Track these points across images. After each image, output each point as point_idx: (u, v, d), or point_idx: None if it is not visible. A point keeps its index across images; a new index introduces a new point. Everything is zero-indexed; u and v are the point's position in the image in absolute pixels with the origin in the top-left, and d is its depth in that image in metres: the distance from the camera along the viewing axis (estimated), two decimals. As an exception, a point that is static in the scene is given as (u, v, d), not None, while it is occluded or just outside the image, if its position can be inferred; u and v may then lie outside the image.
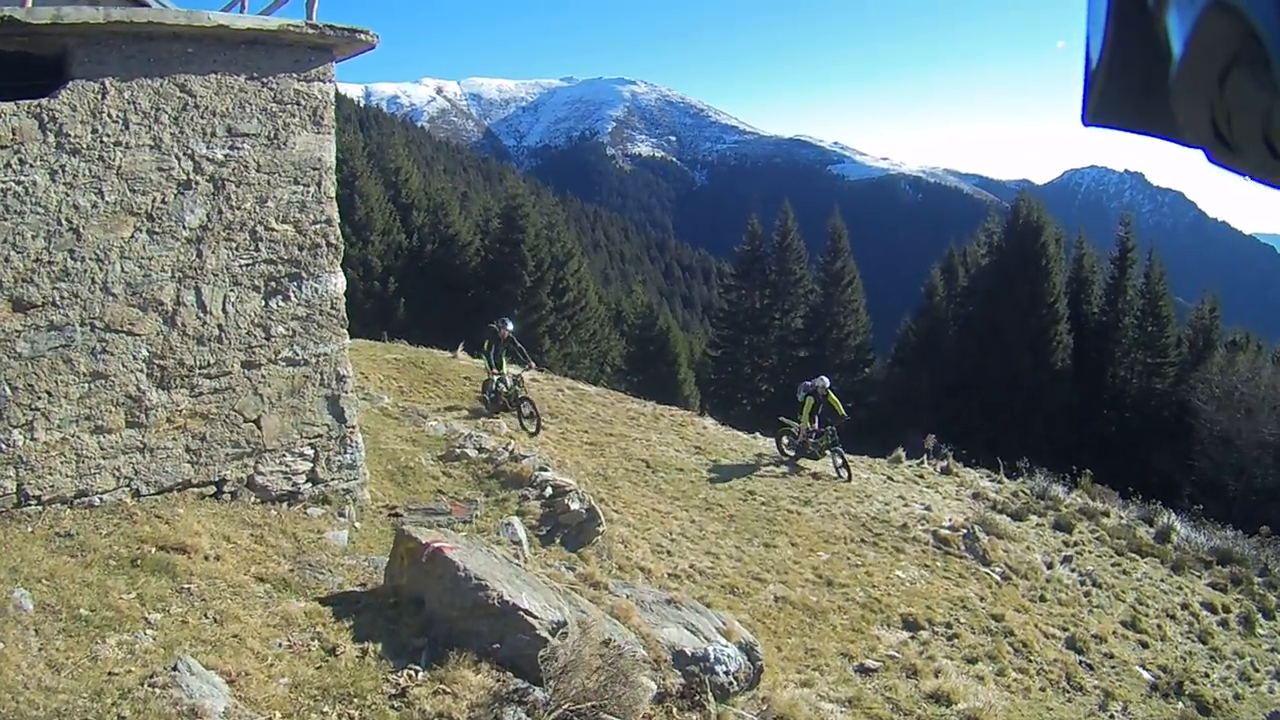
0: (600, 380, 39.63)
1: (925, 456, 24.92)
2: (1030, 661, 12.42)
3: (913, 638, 11.97)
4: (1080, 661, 13.15)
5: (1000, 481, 24.47)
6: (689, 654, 7.74)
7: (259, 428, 9.48)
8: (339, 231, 10.06)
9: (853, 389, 43.66)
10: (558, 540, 11.19)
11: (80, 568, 7.07)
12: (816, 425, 19.18)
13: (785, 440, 19.96)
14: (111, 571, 7.09)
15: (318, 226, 9.79)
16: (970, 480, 23.58)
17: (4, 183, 7.96)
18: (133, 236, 8.62)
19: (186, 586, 7.08)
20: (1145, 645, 15.23)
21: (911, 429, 31.18)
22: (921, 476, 22.33)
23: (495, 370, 18.26)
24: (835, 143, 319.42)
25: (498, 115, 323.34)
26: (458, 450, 12.96)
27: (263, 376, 9.47)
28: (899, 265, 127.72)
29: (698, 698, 6.95)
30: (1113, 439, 43.56)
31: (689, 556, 12.73)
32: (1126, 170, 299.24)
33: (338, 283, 10.01)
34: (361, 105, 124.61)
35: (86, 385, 8.43)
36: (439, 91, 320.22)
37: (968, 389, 44.53)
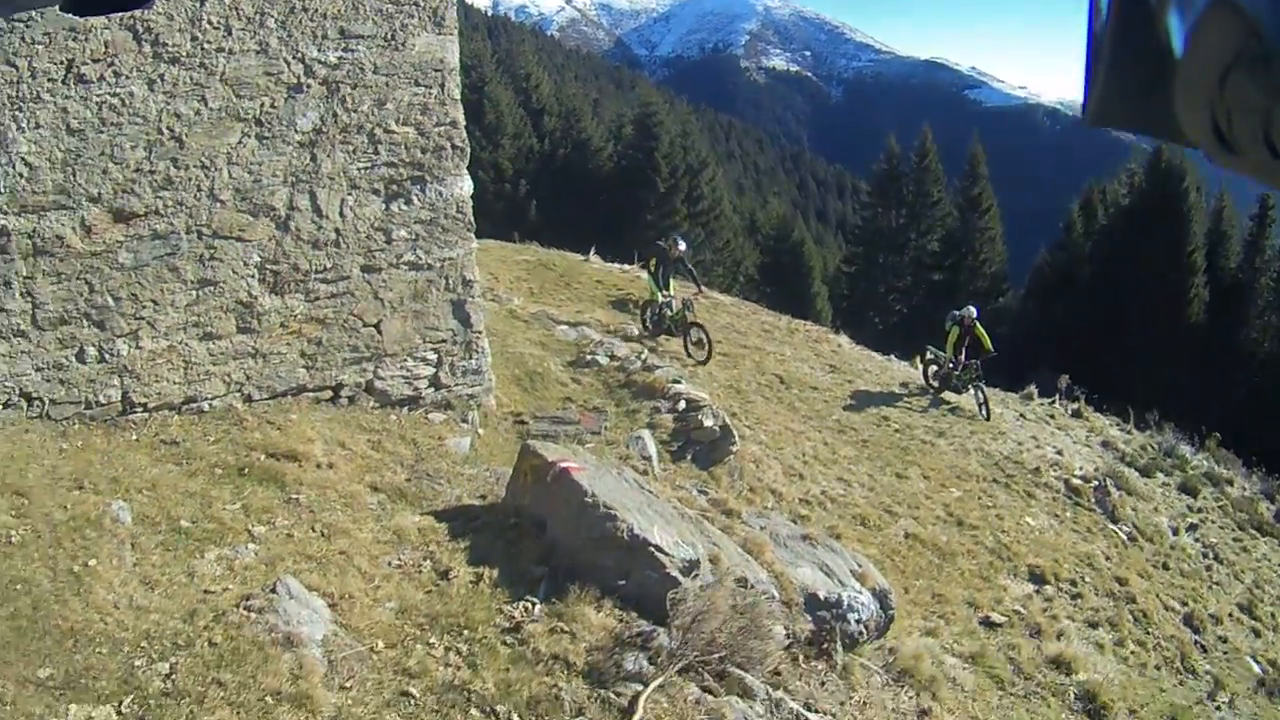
0: (734, 289, 38.81)
1: (1057, 396, 23.87)
2: (1149, 634, 11.69)
3: (1038, 592, 11.33)
4: (1195, 641, 12.34)
5: (1129, 431, 23.29)
6: (822, 598, 7.16)
7: (379, 332, 8.94)
8: (464, 134, 9.27)
9: (986, 318, 41.19)
10: (689, 457, 10.55)
11: (184, 476, 6.69)
12: (963, 357, 18.04)
13: (931, 370, 18.95)
14: (217, 481, 6.70)
15: (441, 129, 9.01)
16: (1100, 426, 22.45)
17: (99, 96, 7.40)
18: (240, 142, 8.01)
19: (295, 497, 6.65)
20: (1257, 634, 14.23)
21: (1040, 365, 29.65)
22: (1052, 417, 21.40)
23: (663, 292, 16.35)
24: (973, 67, 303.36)
25: (628, 25, 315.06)
26: (588, 357, 12.29)
27: (384, 281, 8.88)
28: (1035, 197, 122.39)
29: (825, 646, 6.48)
30: (1240, 403, 40.97)
31: (821, 481, 12.16)
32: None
33: (464, 186, 9.28)
34: (489, 14, 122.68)
35: (195, 293, 7.97)
36: (568, 1, 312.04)
37: (1100, 331, 42.19)
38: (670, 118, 49.39)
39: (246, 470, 6.84)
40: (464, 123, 9.25)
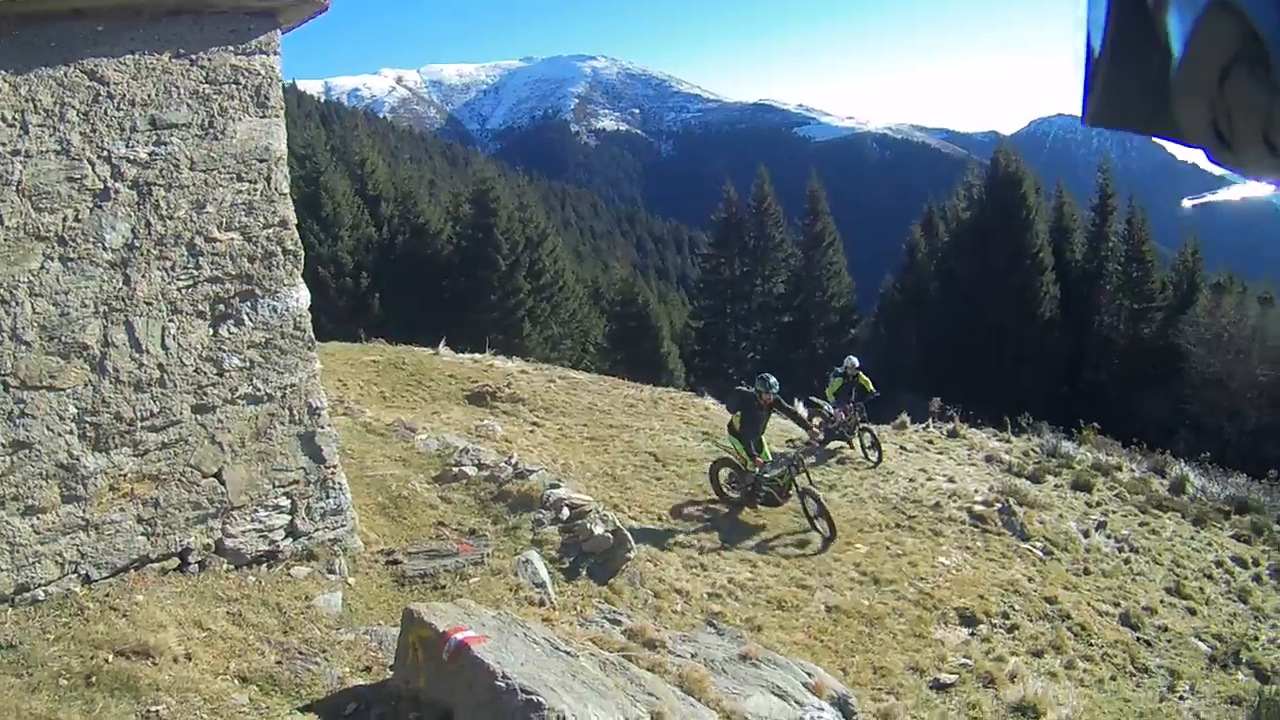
0: (584, 361, 39.39)
1: (930, 420, 24.17)
2: (1092, 646, 11.71)
3: (972, 634, 11.13)
4: (1138, 638, 12.51)
5: (1008, 440, 23.71)
6: None
7: (222, 482, 7.87)
8: (296, 235, 8.27)
9: (839, 352, 42.92)
10: (583, 572, 9.82)
11: (26, 693, 5.68)
12: (848, 403, 18.29)
13: (816, 422, 18.83)
14: (63, 696, 5.67)
15: (270, 231, 7.99)
16: (978, 441, 22.80)
17: None
18: (42, 267, 6.91)
19: (153, 709, 5.70)
20: (1193, 612, 14.60)
21: (902, 390, 30.38)
22: (930, 442, 21.60)
23: (755, 456, 13.66)
24: (800, 105, 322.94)
25: (459, 100, 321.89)
26: (455, 469, 11.47)
27: (219, 421, 7.80)
28: (873, 225, 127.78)
29: None
30: (1103, 387, 43.25)
31: (724, 568, 11.67)
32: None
33: (300, 297, 8.23)
34: (322, 101, 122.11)
35: (8, 459, 6.84)
36: (399, 81, 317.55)
37: (956, 345, 44.05)
38: (506, 191, 49.94)
39: (95, 678, 5.86)
40: (295, 221, 8.26)
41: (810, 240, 50.71)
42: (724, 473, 14.06)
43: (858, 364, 18.54)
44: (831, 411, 18.45)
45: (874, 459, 17.98)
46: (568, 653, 6.31)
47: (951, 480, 17.76)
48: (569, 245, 72.87)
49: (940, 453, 20.42)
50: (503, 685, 5.45)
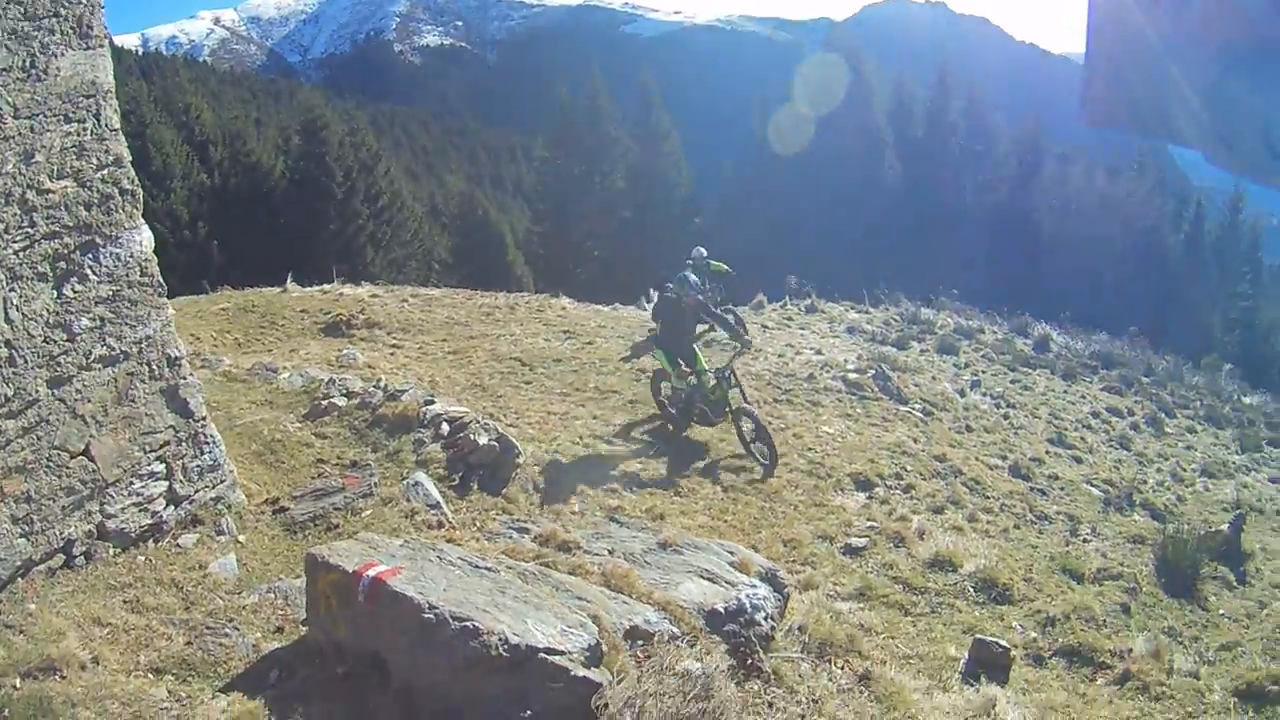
0: (430, 279, 38.34)
1: (787, 298, 24.33)
2: (989, 499, 11.95)
3: (870, 498, 11.13)
4: (1031, 488, 12.89)
5: (868, 312, 24.41)
6: (723, 610, 6.14)
7: (91, 459, 6.99)
8: (133, 173, 7.35)
9: (686, 241, 43.40)
10: (475, 486, 9.22)
11: None
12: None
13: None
14: None
15: (105, 172, 7.04)
16: (838, 315, 23.41)
17: None
18: None
19: None
20: (1079, 460, 15.19)
21: (755, 271, 30.68)
22: (790, 319, 21.97)
23: (688, 367, 12.05)
24: (625, 2, 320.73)
25: (279, 34, 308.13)
26: (323, 403, 10.63)
27: (78, 392, 6.89)
28: (707, 116, 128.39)
29: (751, 662, 5.58)
30: (954, 255, 44.39)
31: (614, 460, 11.22)
32: (928, 0, 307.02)
33: (144, 240, 7.38)
34: (140, 54, 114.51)
35: None
36: (216, 22, 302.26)
37: (804, 223, 44.61)
38: (335, 118, 48.04)
39: (7, 711, 5.12)
40: (129, 157, 7.34)
41: (646, 134, 50.54)
42: (665, 386, 12.78)
43: (705, 254, 18.24)
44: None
45: (744, 342, 17.84)
46: (488, 569, 5.79)
47: (819, 353, 17.99)
48: (402, 166, 71.22)
49: (802, 328, 20.68)
50: (431, 617, 4.94)
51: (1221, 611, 9.30)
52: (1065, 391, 19.66)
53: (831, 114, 47.30)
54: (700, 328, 12.62)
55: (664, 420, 12.61)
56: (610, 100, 51.32)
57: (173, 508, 7.58)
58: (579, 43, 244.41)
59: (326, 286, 20.90)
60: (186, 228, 38.78)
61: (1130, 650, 7.42)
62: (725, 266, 17.95)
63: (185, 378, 7.71)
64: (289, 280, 21.06)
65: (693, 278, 12.45)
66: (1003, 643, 7.17)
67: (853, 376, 16.07)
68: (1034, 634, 7.85)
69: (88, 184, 6.90)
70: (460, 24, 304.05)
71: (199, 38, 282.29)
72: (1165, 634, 8.30)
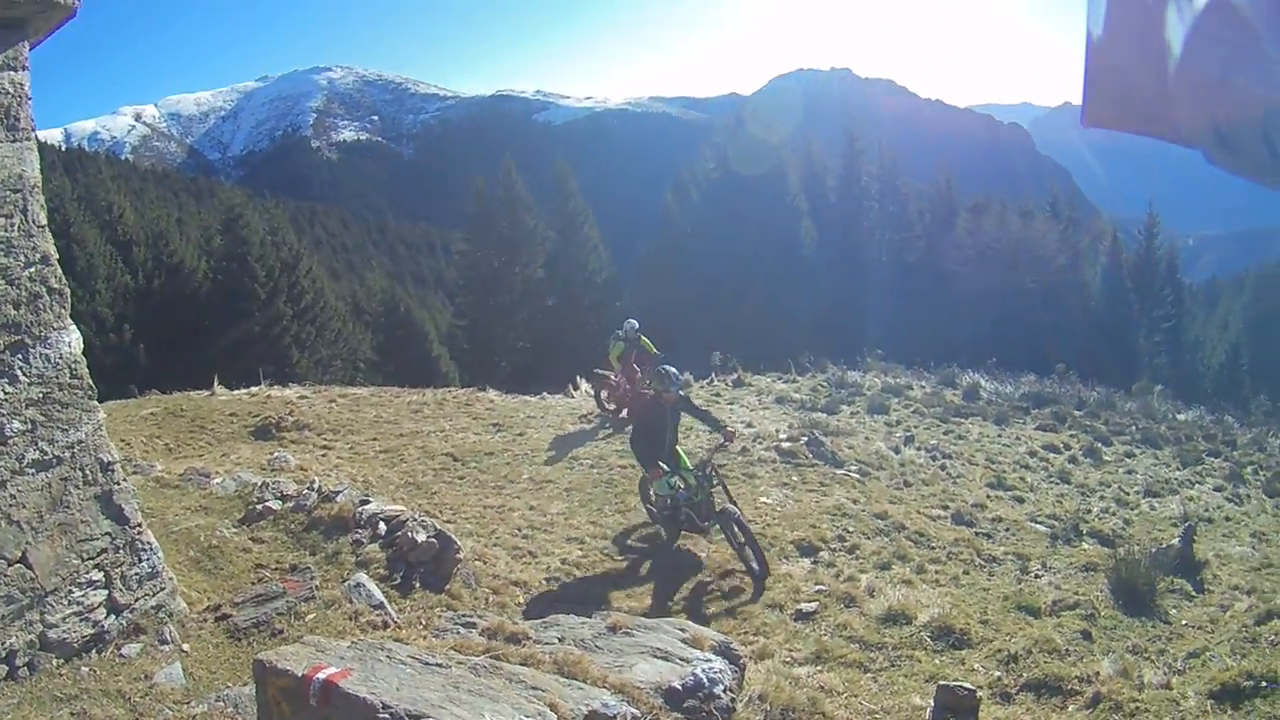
0: (356, 378, 38.43)
1: (713, 373, 24.61)
2: (934, 549, 12.00)
3: (815, 562, 11.13)
4: (976, 533, 12.97)
5: (795, 380, 24.53)
6: (681, 688, 6.06)
7: (29, 567, 6.78)
8: (60, 271, 7.22)
9: (608, 326, 43.72)
10: (417, 584, 9.10)
11: None
12: (635, 371, 17.89)
13: (604, 394, 18.64)
14: None
15: (33, 270, 6.93)
16: (765, 386, 23.54)
17: None
18: None
19: None
20: (1021, 500, 15.39)
21: (679, 349, 31.07)
22: (719, 395, 21.95)
23: (662, 466, 11.03)
24: (538, 91, 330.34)
25: (199, 130, 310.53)
26: (259, 507, 10.45)
27: (12, 497, 6.69)
28: (621, 199, 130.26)
29: None
30: (877, 317, 45.23)
31: (552, 551, 11.19)
32: (833, 68, 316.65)
33: (72, 341, 7.24)
34: (63, 149, 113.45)
35: None
36: (138, 118, 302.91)
37: (725, 298, 45.26)
38: (256, 216, 47.92)
39: None
40: (56, 255, 7.18)
41: (563, 222, 51.01)
42: (653, 491, 11.60)
43: (637, 326, 18.29)
44: (615, 379, 18.20)
45: None
46: (439, 665, 5.65)
47: (750, 425, 18.02)
48: (323, 264, 71.11)
49: (731, 403, 20.70)
50: (386, 716, 4.79)
51: (1184, 622, 9.38)
52: (999, 435, 19.94)
53: (746, 187, 48.26)
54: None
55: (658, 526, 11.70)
56: (526, 189, 51.66)
57: (114, 617, 7.36)
58: (493, 133, 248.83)
59: (254, 389, 20.68)
60: (112, 330, 38.01)
61: (1097, 673, 7.41)
62: (654, 347, 18.05)
63: (119, 483, 7.54)
64: (216, 384, 20.75)
65: (671, 370, 11.33)
66: (967, 685, 7.07)
67: (786, 445, 16.12)
68: (998, 673, 7.81)
69: (15, 282, 6.78)
70: (376, 119, 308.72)
71: (120, 134, 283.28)
72: (1130, 653, 8.31)
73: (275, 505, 10.35)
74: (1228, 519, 15.83)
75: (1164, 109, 0.83)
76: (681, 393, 11.48)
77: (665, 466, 10.93)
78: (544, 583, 9.82)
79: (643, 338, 18.00)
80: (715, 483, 11.02)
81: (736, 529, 10.35)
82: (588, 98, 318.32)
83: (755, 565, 10.22)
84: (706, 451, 11.95)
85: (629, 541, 11.66)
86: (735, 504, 10.90)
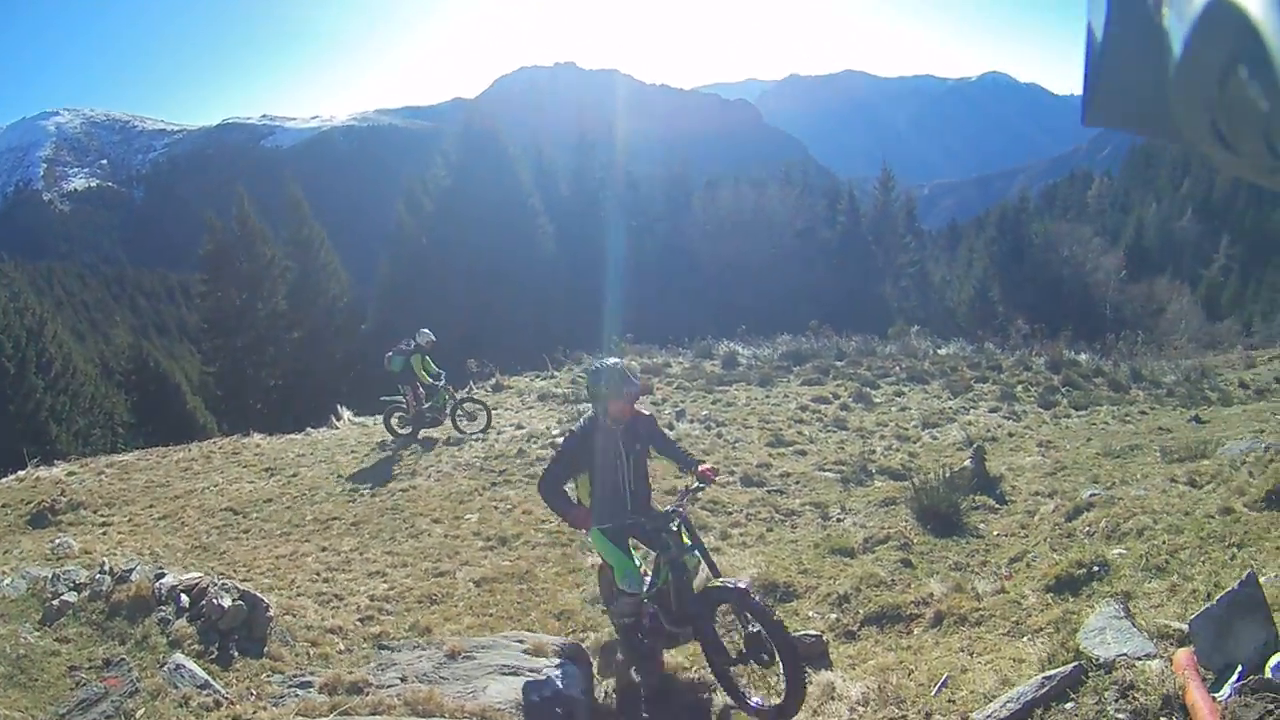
0: (118, 444, 35.99)
1: (471, 381, 24.58)
2: (732, 514, 12.31)
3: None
4: (769, 491, 13.31)
5: (553, 376, 24.93)
6: (539, 700, 6.04)
7: None
8: None
9: (357, 351, 44.22)
10: (235, 652, 8.44)
11: None
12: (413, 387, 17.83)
13: (396, 418, 18.27)
14: None
15: None
16: (525, 386, 24.01)
17: None
18: None
19: None
20: (804, 453, 15.84)
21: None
22: (482, 404, 21.69)
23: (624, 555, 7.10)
24: (264, 116, 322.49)
25: None
26: (55, 603, 9.45)
27: None
28: (357, 217, 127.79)
29: None
30: (626, 301, 46.09)
31: (356, 589, 10.64)
32: (557, 64, 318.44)
33: None
34: None
35: None
36: None
37: (468, 305, 45.26)
38: None
39: None
40: None
41: (299, 248, 49.60)
42: (619, 584, 7.42)
43: (431, 335, 17.95)
44: (407, 399, 17.90)
45: (485, 423, 18.21)
46: None
47: (520, 427, 18.26)
48: (67, 326, 66.57)
49: (495, 406, 20.66)
50: None
51: (996, 533, 9.92)
52: (768, 396, 20.59)
53: (479, 191, 48.04)
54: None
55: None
56: (259, 219, 49.61)
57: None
58: (223, 164, 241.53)
59: (21, 473, 19.04)
60: None
61: (931, 595, 7.72)
62: (433, 365, 17.93)
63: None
64: (-17, 472, 18.96)
65: (617, 364, 7.16)
66: (811, 632, 7.37)
67: (560, 441, 16.05)
68: (834, 615, 8.07)
69: None
70: (105, 162, 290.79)
71: None
72: (954, 570, 8.75)
73: (71, 598, 9.43)
74: (1010, 435, 16.95)
75: (1164, 109, 0.79)
76: (646, 412, 7.56)
77: (643, 538, 7.17)
78: (359, 624, 9.37)
79: (426, 356, 17.81)
80: (690, 546, 6.92)
81: (750, 617, 6.51)
82: (314, 117, 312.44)
83: (784, 685, 6.25)
84: (676, 498, 7.27)
85: (431, 565, 11.37)
86: (728, 580, 6.85)
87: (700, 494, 8.89)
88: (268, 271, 48.14)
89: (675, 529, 6.90)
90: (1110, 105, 0.93)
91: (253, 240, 48.05)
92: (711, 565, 6.81)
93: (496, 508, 12.78)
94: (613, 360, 7.33)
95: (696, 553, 6.90)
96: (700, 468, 7.20)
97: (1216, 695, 4.45)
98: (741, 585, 6.59)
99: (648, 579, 7.07)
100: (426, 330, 18.10)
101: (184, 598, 8.96)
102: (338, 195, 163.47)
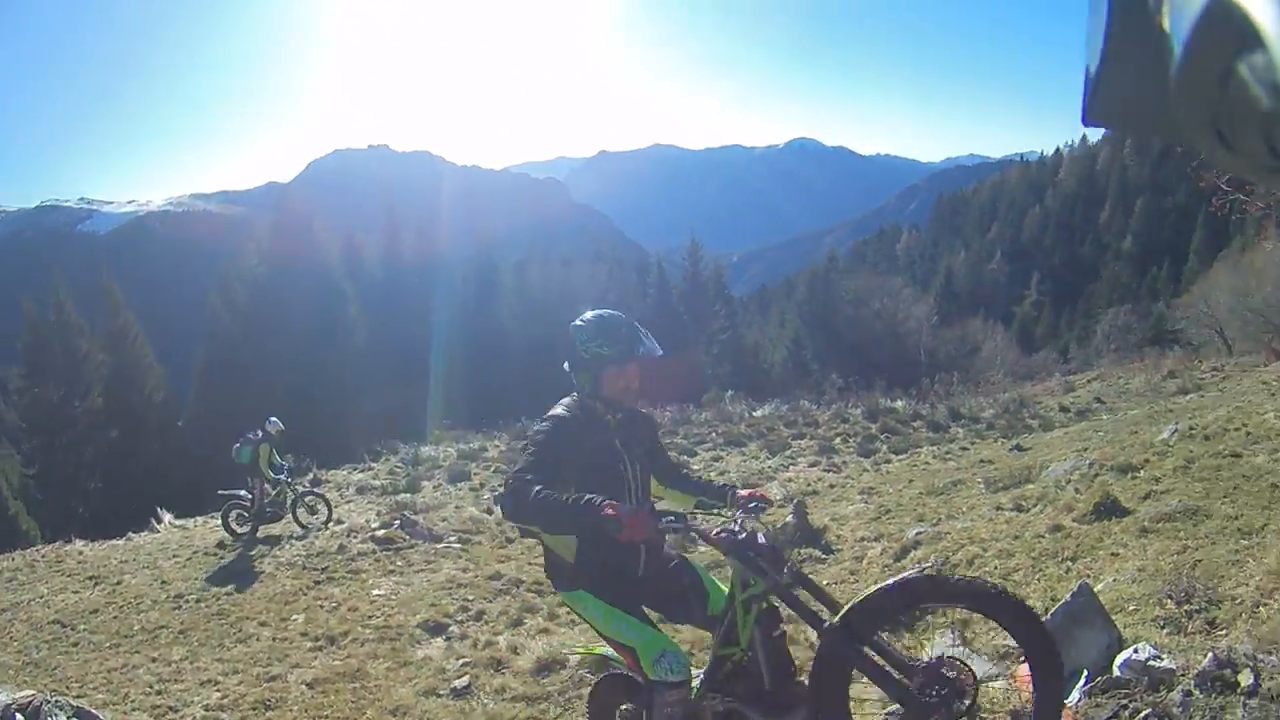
0: None
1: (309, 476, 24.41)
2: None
3: (448, 638, 11.41)
4: None
5: (370, 468, 25.49)
6: None
7: None
8: None
9: (171, 448, 43.05)
10: None
11: None
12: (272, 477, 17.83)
13: (234, 514, 18.00)
14: None
15: None
16: (342, 479, 24.33)
17: None
18: None
19: None
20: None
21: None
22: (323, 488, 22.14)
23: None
24: (81, 198, 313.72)
25: None
26: None
27: None
28: (174, 305, 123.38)
29: None
30: (438, 385, 46.43)
31: (191, 700, 10.50)
32: (370, 145, 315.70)
33: None
34: None
35: None
36: None
37: (284, 396, 44.31)
38: None
39: None
40: None
41: (114, 340, 48.02)
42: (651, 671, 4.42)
43: (279, 422, 17.93)
44: (249, 496, 17.83)
45: (326, 516, 18.05)
46: None
47: (340, 521, 18.10)
48: None
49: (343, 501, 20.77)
50: None
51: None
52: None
53: (291, 278, 47.89)
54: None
55: None
56: (75, 309, 47.68)
57: None
58: (40, 249, 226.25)
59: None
60: None
61: None
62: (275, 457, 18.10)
63: None
64: None
65: (614, 316, 4.93)
66: None
67: (381, 533, 16.30)
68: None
69: None
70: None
71: None
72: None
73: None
74: (832, 486, 17.45)
75: (1164, 109, 0.83)
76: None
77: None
78: (200, 734, 9.51)
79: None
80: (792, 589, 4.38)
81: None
82: (130, 201, 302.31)
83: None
84: (755, 525, 4.78)
85: (261, 669, 11.30)
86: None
87: (759, 514, 4.90)
88: (83, 365, 46.39)
89: (776, 568, 4.34)
90: (1110, 105, 0.94)
91: (69, 331, 46.25)
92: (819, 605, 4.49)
93: (322, 606, 12.82)
94: (607, 312, 4.91)
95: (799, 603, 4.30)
96: (740, 491, 5.03)
97: (1066, 701, 4.31)
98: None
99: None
100: (275, 419, 18.05)
101: (19, 717, 8.95)
102: (155, 283, 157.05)
